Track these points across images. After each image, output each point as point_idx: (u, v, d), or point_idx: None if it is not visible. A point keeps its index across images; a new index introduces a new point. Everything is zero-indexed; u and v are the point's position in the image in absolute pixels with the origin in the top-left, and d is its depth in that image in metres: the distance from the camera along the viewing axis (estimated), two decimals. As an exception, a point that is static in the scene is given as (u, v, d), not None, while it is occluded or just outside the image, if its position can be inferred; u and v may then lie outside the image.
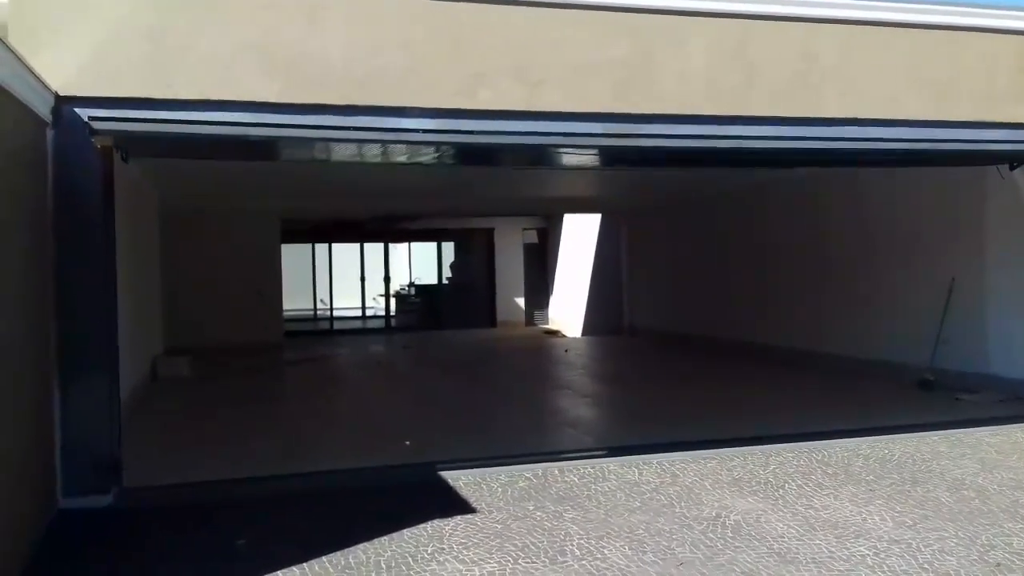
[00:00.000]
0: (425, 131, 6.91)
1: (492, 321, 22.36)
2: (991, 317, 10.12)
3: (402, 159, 8.12)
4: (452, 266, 24.07)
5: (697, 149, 7.77)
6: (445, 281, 23.97)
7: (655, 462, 6.95)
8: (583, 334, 20.07)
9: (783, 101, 7.62)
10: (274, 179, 12.22)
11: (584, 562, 4.86)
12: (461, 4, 6.91)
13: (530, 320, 22.66)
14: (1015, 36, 8.26)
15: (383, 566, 4.81)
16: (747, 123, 7.54)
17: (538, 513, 5.75)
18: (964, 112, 8.10)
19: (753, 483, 6.41)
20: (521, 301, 22.71)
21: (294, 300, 20.54)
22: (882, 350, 11.60)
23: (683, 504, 5.92)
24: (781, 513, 5.69)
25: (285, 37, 6.52)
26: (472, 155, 8.03)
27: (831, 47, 7.78)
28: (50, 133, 6.05)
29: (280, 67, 6.50)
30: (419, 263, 24.48)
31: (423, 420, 9.62)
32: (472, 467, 6.84)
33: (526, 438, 8.40)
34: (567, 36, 7.11)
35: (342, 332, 21.79)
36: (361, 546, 5.10)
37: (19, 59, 5.07)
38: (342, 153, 8.07)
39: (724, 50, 7.50)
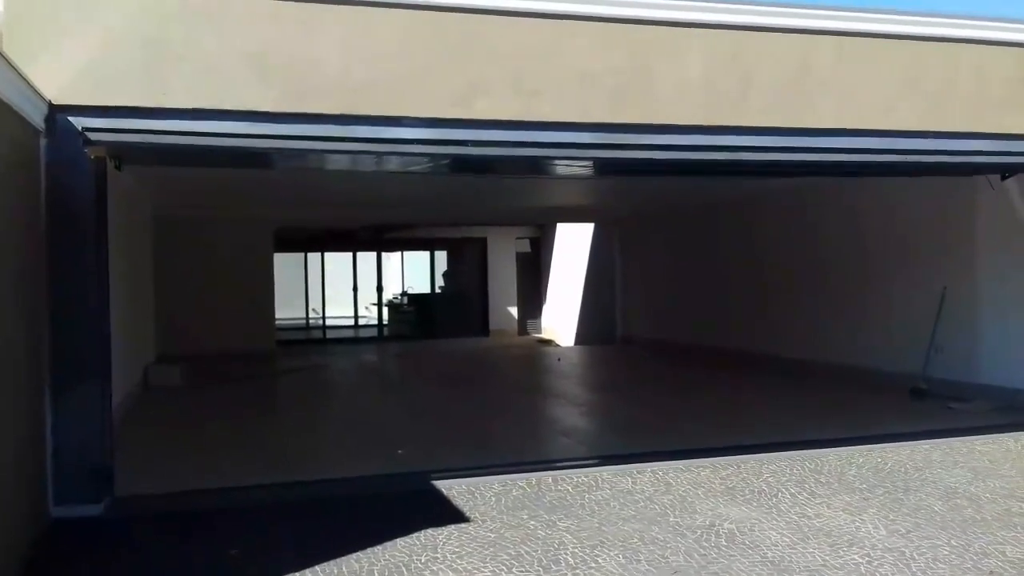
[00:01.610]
0: (421, 141, 6.92)
1: (485, 330, 22.35)
2: (984, 325, 10.16)
3: (395, 168, 8.12)
4: (445, 275, 24.07)
5: (693, 160, 7.79)
6: (438, 290, 23.96)
7: (648, 471, 6.94)
8: (576, 343, 20.08)
9: (778, 111, 7.66)
10: (268, 188, 12.21)
11: (578, 571, 4.86)
12: (458, 14, 6.93)
13: (523, 329, 22.66)
14: (1007, 48, 8.32)
15: (376, 575, 4.80)
16: (742, 133, 7.57)
17: (532, 522, 5.75)
18: (957, 122, 8.14)
19: (747, 492, 6.42)
20: (514, 310, 22.71)
21: (286, 309, 20.48)
22: (875, 359, 11.62)
23: (677, 513, 5.92)
24: (775, 521, 5.70)
25: (281, 47, 6.53)
26: (467, 164, 8.02)
27: (826, 58, 7.83)
28: (43, 142, 6.04)
29: (276, 76, 6.51)
30: (412, 272, 24.45)
31: (416, 429, 9.60)
32: (466, 476, 6.83)
33: (520, 447, 8.40)
34: (564, 47, 7.13)
35: (335, 341, 21.75)
36: (354, 555, 5.08)
37: (12, 67, 5.06)
38: (337, 163, 8.08)
39: (720, 61, 7.54)
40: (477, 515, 5.91)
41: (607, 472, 6.97)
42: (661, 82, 7.41)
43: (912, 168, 8.64)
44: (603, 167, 8.68)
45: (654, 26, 7.37)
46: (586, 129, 7.22)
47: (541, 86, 7.08)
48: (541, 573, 4.83)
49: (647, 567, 4.91)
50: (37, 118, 5.84)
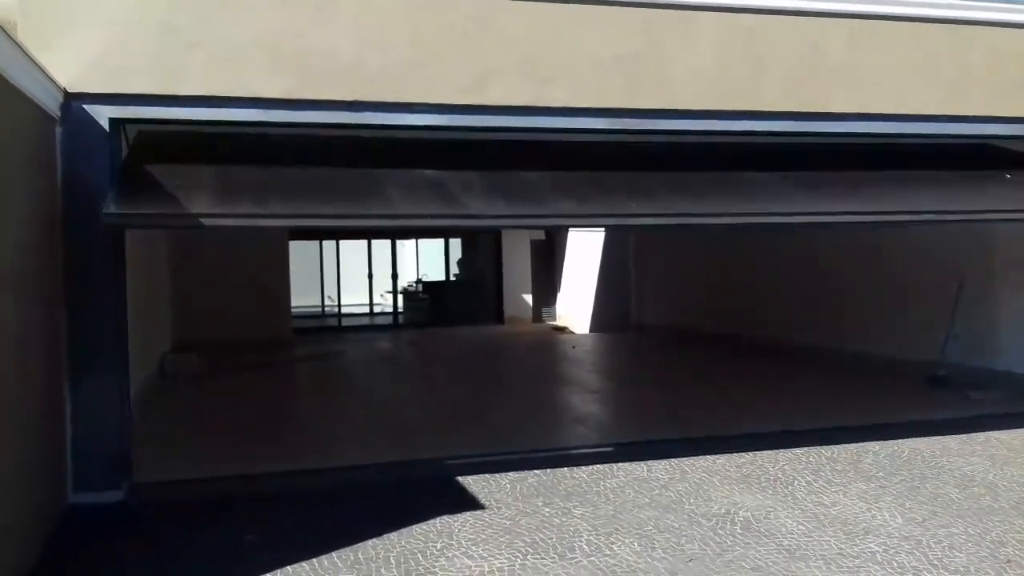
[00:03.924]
0: (433, 127, 6.90)
1: (500, 318, 22.30)
2: (1002, 313, 10.07)
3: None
4: (459, 263, 24.04)
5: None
6: (452, 278, 23.95)
7: (664, 458, 6.93)
8: (591, 330, 20.01)
9: (792, 96, 7.61)
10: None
11: (593, 558, 4.86)
12: (469, 0, 6.90)
13: (538, 316, 22.60)
14: (1021, 30, 8.22)
15: (392, 562, 4.82)
16: (756, 118, 7.53)
17: (547, 509, 5.75)
18: (972, 106, 8.07)
19: (762, 480, 6.40)
20: (529, 297, 22.66)
21: (302, 297, 20.54)
22: (893, 346, 11.55)
23: (692, 500, 5.91)
24: (790, 510, 5.68)
25: (294, 34, 6.54)
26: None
27: (839, 41, 7.76)
28: (59, 129, 6.07)
29: (289, 63, 6.51)
30: (426, 260, 24.44)
31: (432, 416, 9.61)
32: (482, 463, 6.84)
33: (535, 435, 8.39)
34: (577, 32, 7.10)
35: (350, 329, 21.79)
36: (370, 542, 5.11)
37: (27, 55, 5.08)
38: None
39: (733, 45, 7.49)
40: (493, 502, 5.93)
41: (622, 460, 6.96)
42: (674, 67, 7.36)
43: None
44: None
45: (666, 9, 7.34)
46: (599, 115, 7.19)
47: (553, 72, 7.05)
48: (557, 560, 4.84)
49: (662, 554, 4.91)
50: (52, 105, 5.86)
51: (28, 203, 5.22)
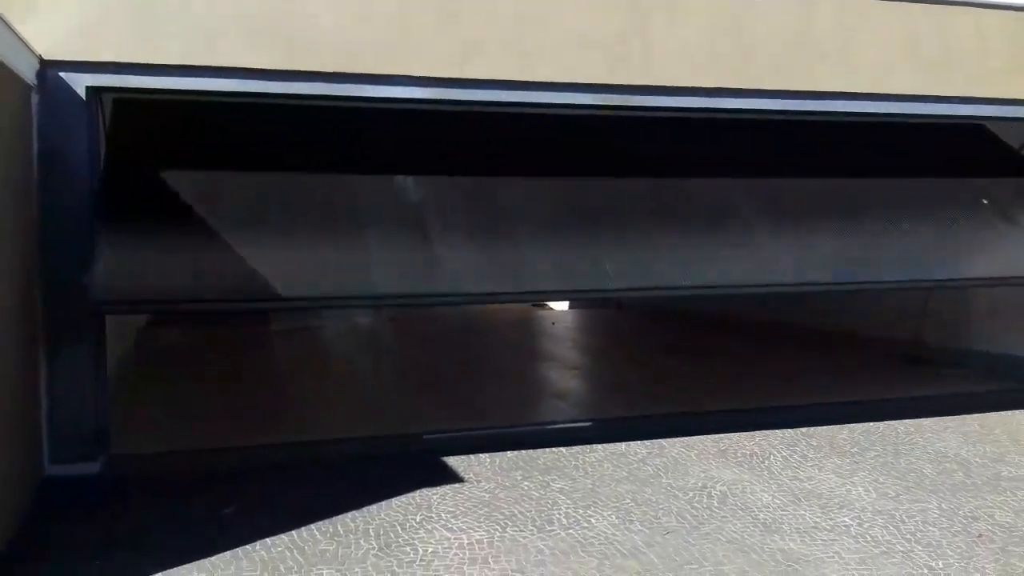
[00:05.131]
0: (415, 100, 6.85)
1: (480, 293, 22.29)
2: (974, 292, 10.16)
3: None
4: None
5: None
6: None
7: (642, 433, 6.98)
8: (571, 307, 20.06)
9: (777, 74, 7.60)
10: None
11: (571, 531, 4.90)
12: (453, -27, 6.85)
13: (518, 293, 22.61)
14: (1007, 11, 8.25)
15: (371, 534, 4.84)
16: (741, 96, 7.52)
17: (526, 483, 5.79)
18: (956, 87, 8.10)
19: (739, 454, 6.46)
20: (509, 274, 22.66)
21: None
22: (868, 324, 11.64)
23: (669, 475, 5.96)
24: (766, 484, 5.74)
25: (275, 3, 6.45)
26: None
27: (825, 20, 7.75)
28: (35, 97, 5.98)
29: (270, 34, 6.43)
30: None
31: (412, 391, 9.62)
32: (461, 438, 6.86)
33: (514, 409, 8.42)
34: (561, 7, 7.06)
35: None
36: (350, 514, 5.12)
37: (3, 21, 4.99)
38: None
39: (719, 23, 7.47)
40: (472, 476, 5.95)
41: (600, 435, 6.99)
42: (660, 44, 7.33)
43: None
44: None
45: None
46: (584, 90, 7.16)
47: (538, 47, 7.01)
48: (535, 532, 4.87)
49: (639, 527, 4.95)
50: (29, 73, 5.77)
51: (4, 168, 5.14)
